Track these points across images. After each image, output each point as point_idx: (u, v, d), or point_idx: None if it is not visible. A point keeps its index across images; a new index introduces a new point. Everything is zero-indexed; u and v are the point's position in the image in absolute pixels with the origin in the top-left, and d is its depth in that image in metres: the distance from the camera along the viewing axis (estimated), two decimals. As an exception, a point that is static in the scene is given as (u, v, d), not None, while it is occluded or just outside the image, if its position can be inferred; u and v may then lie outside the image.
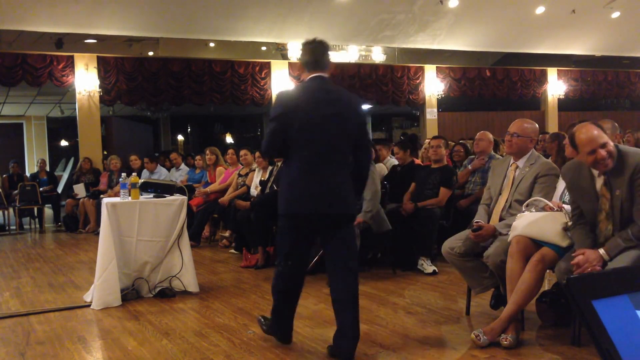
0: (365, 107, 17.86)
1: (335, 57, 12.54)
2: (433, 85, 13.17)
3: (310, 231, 3.22)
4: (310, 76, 3.19)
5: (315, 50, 3.20)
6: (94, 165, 10.36)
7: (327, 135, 3.10)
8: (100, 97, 10.64)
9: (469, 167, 5.93)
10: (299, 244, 3.23)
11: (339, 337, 3.14)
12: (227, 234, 7.34)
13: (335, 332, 3.16)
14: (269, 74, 11.86)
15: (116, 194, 7.04)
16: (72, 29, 10.12)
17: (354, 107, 3.24)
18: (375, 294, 4.61)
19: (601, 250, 2.93)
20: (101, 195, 8.61)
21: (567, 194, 3.49)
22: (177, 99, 11.45)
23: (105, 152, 11.69)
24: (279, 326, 3.41)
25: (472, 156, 6.27)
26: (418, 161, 6.81)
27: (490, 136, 6.02)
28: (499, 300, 3.69)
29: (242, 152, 7.32)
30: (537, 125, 3.89)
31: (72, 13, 9.52)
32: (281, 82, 11.89)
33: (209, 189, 7.64)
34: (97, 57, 10.62)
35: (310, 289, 4.81)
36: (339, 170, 3.14)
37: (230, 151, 7.95)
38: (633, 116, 15.49)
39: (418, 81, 13.11)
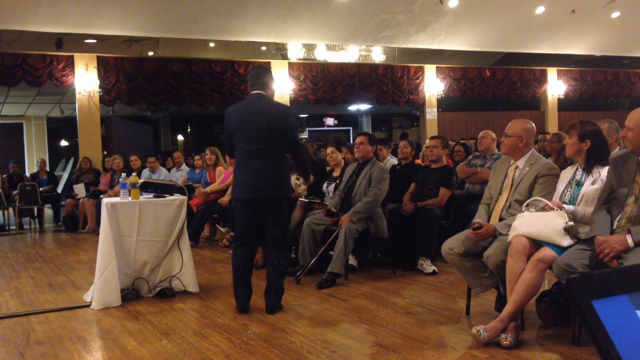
0: (365, 107, 17.89)
1: (335, 57, 12.55)
2: (433, 85, 13.17)
3: (250, 212, 4.12)
4: (251, 93, 4.21)
5: (252, 75, 4.24)
6: (94, 165, 10.36)
7: (255, 137, 4.04)
8: (100, 97, 10.64)
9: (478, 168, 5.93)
10: (245, 223, 4.16)
11: (266, 293, 4.16)
12: (224, 230, 7.33)
13: (265, 289, 4.19)
14: (269, 74, 11.84)
15: (116, 194, 7.04)
16: (72, 29, 10.11)
17: (281, 116, 4.13)
18: (375, 294, 4.61)
19: (628, 237, 2.94)
20: (101, 196, 8.61)
21: (566, 193, 3.49)
22: (177, 99, 11.45)
23: (105, 152, 11.69)
24: (236, 295, 4.19)
25: (477, 153, 6.27)
26: (418, 161, 6.82)
27: (493, 134, 6.03)
28: (503, 303, 3.69)
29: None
30: (531, 124, 3.85)
31: (72, 13, 9.52)
32: (281, 82, 11.89)
33: (208, 189, 7.64)
34: (97, 57, 10.62)
35: (310, 289, 4.82)
36: (267, 164, 4.05)
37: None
38: (633, 116, 15.44)
39: (418, 81, 13.11)
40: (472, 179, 5.89)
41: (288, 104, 12.04)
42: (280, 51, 12.36)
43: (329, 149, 5.96)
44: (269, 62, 11.90)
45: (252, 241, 4.22)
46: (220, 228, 7.46)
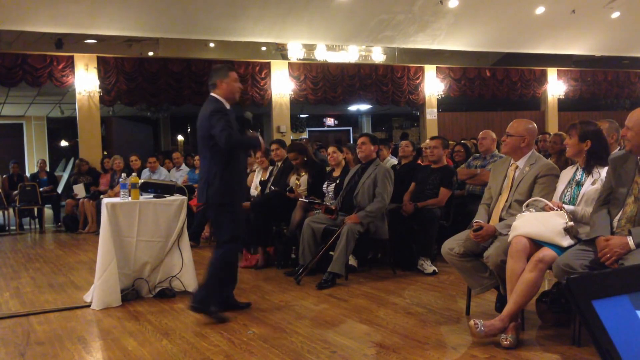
0: (365, 107, 17.89)
1: (335, 57, 12.56)
2: (433, 85, 13.17)
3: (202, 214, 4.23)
4: None
5: (209, 77, 4.18)
6: (91, 166, 10.36)
7: (199, 140, 4.04)
8: (100, 97, 10.64)
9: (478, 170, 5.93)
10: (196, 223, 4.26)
11: (197, 288, 4.14)
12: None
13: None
14: (269, 74, 11.86)
15: (116, 194, 7.04)
16: (72, 29, 10.12)
17: (204, 117, 3.96)
18: (375, 294, 4.61)
19: (629, 238, 2.94)
20: (101, 196, 8.61)
21: (566, 193, 3.49)
22: (177, 99, 11.45)
23: (105, 153, 11.69)
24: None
25: (477, 154, 6.28)
26: (418, 161, 6.81)
27: (494, 134, 6.03)
28: (503, 303, 3.69)
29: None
30: (533, 124, 3.85)
31: (72, 13, 9.53)
32: (281, 82, 11.90)
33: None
34: (97, 57, 10.62)
35: (310, 289, 4.82)
36: (204, 167, 4.01)
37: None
38: (633, 116, 15.44)
39: (418, 81, 13.11)
40: (473, 181, 5.89)
41: (288, 104, 12.05)
42: (280, 51, 12.37)
43: (331, 149, 5.97)
44: (269, 63, 11.91)
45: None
46: None
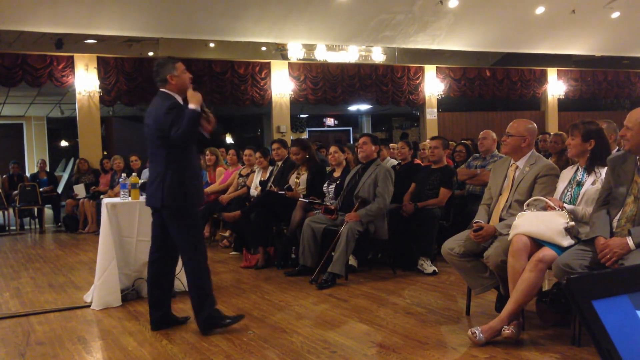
0: (365, 107, 17.89)
1: (335, 57, 12.55)
2: (433, 85, 13.17)
3: (155, 220, 3.84)
4: None
5: (153, 74, 3.85)
6: (92, 166, 10.36)
7: (147, 139, 3.81)
8: (100, 97, 10.64)
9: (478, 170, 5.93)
10: (155, 231, 3.85)
11: (195, 315, 3.78)
12: (227, 233, 7.34)
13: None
14: (269, 74, 11.86)
15: (116, 194, 7.04)
16: (72, 29, 10.12)
17: (156, 114, 3.69)
18: (375, 294, 4.61)
19: (629, 239, 2.94)
20: (101, 196, 8.61)
21: (567, 193, 3.50)
22: (177, 99, 11.43)
23: (105, 153, 11.69)
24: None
25: (476, 154, 6.28)
26: (418, 161, 6.82)
27: (494, 135, 6.04)
28: (503, 303, 3.69)
29: (246, 152, 7.27)
30: (533, 125, 3.86)
31: (72, 13, 9.53)
32: (281, 82, 11.90)
33: (208, 189, 7.63)
34: (97, 57, 10.62)
35: (310, 289, 4.82)
36: (152, 167, 3.81)
37: (231, 151, 7.95)
38: (633, 116, 15.43)
39: (418, 81, 13.11)
40: (473, 181, 5.89)
41: (288, 104, 12.05)
42: (280, 51, 12.36)
43: (332, 149, 5.97)
44: (268, 63, 11.91)
45: (163, 251, 3.87)
46: (223, 233, 7.46)
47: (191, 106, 3.65)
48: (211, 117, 3.83)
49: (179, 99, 3.77)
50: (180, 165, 3.69)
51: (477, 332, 3.22)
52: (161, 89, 3.80)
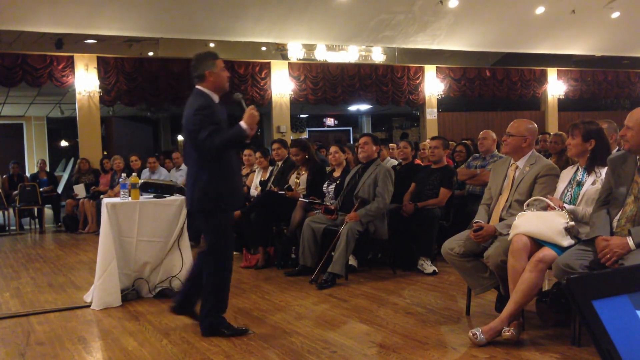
0: (365, 107, 17.89)
1: (335, 57, 12.55)
2: (433, 85, 13.17)
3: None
4: None
5: (190, 68, 3.67)
6: (92, 166, 10.36)
7: (184, 139, 3.73)
8: (100, 97, 10.64)
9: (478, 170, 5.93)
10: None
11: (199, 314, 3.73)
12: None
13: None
14: (269, 74, 11.86)
15: (116, 194, 7.04)
16: (72, 29, 10.11)
17: (186, 115, 3.54)
18: (375, 294, 4.61)
19: (629, 239, 2.94)
20: (101, 196, 8.60)
21: (567, 193, 3.50)
22: (177, 100, 11.44)
23: (105, 153, 11.69)
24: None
25: (476, 154, 6.28)
26: (418, 161, 6.82)
27: (494, 135, 6.04)
28: (503, 303, 3.69)
29: (246, 152, 7.26)
30: (534, 125, 3.86)
31: (72, 13, 9.52)
32: (281, 82, 11.89)
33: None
34: (97, 57, 10.62)
35: (310, 289, 4.82)
36: (188, 168, 3.71)
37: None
38: (633, 116, 15.42)
39: (418, 81, 13.11)
40: (473, 181, 5.89)
41: (288, 104, 12.05)
42: (280, 51, 12.36)
43: (332, 149, 5.97)
44: (269, 63, 11.91)
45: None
46: None
47: (243, 125, 3.49)
48: (251, 131, 3.65)
49: (215, 98, 3.62)
50: (213, 167, 3.52)
51: (477, 333, 3.22)
52: (196, 86, 3.63)
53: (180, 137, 20.49)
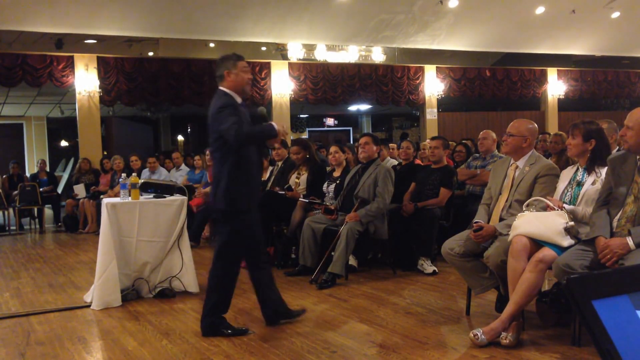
0: (365, 107, 17.89)
1: (335, 57, 12.55)
2: (433, 85, 13.17)
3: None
4: None
5: (215, 69, 3.75)
6: (93, 166, 10.36)
7: (210, 140, 3.69)
8: (100, 97, 10.64)
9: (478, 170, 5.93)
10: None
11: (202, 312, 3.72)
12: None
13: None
14: (269, 74, 11.86)
15: (116, 194, 7.04)
16: (72, 29, 10.11)
17: (211, 113, 3.59)
18: (375, 294, 4.61)
19: (629, 239, 2.94)
20: (101, 196, 8.60)
21: (567, 193, 3.50)
22: (177, 100, 11.45)
23: (105, 153, 11.69)
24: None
25: (476, 154, 6.28)
26: (418, 161, 6.82)
27: (494, 135, 6.04)
28: (503, 304, 3.69)
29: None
30: (534, 125, 3.86)
31: (72, 13, 9.52)
32: (281, 82, 11.89)
33: (209, 189, 7.63)
34: (97, 57, 10.62)
35: (310, 289, 4.82)
36: (213, 169, 3.74)
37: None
38: (633, 116, 15.43)
39: (418, 81, 13.11)
40: (473, 181, 5.89)
41: (288, 104, 12.05)
42: (280, 51, 12.36)
43: (333, 149, 5.97)
44: (268, 63, 11.91)
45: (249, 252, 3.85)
46: None
47: (274, 124, 3.58)
48: (281, 132, 3.71)
49: (238, 99, 3.65)
50: (234, 169, 3.55)
51: (479, 334, 3.22)
52: (219, 87, 3.69)
53: (180, 137, 20.51)
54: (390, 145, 8.40)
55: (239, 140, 3.43)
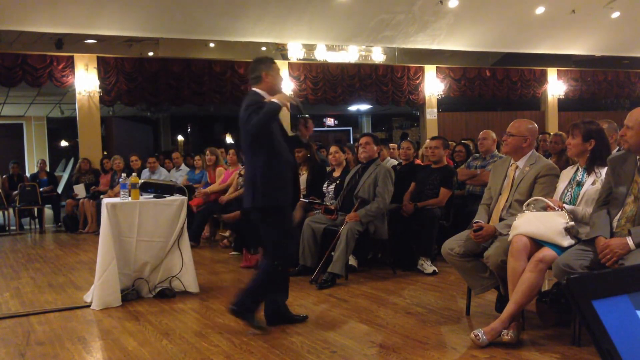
0: (365, 107, 17.89)
1: (335, 57, 12.55)
2: (433, 85, 13.17)
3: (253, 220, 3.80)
4: None
5: (249, 69, 3.81)
6: (93, 166, 10.36)
7: (241, 138, 3.74)
8: (100, 97, 10.64)
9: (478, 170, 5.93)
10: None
11: (239, 291, 3.79)
12: (227, 233, 7.34)
13: None
14: (269, 74, 11.84)
15: (116, 194, 7.04)
16: (72, 29, 10.12)
17: (243, 113, 3.59)
18: (375, 294, 4.61)
19: (629, 239, 2.94)
20: (101, 196, 8.60)
21: (567, 193, 3.50)
22: (177, 100, 11.45)
23: (105, 153, 11.69)
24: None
25: (476, 154, 6.28)
26: (418, 161, 6.82)
27: (494, 135, 6.04)
28: (503, 303, 3.69)
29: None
30: (534, 125, 3.87)
31: (72, 13, 9.53)
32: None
33: (209, 189, 7.64)
34: (97, 57, 10.62)
35: (310, 289, 4.82)
36: (246, 168, 3.78)
37: (231, 151, 7.96)
38: (633, 116, 15.43)
39: (418, 81, 13.11)
40: (473, 181, 5.89)
41: (288, 104, 12.01)
42: (280, 51, 12.36)
43: (333, 149, 5.97)
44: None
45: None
46: (223, 233, 7.46)
47: (273, 99, 3.60)
48: (310, 123, 3.88)
49: (267, 99, 3.68)
50: (267, 166, 3.61)
51: (479, 335, 3.22)
52: (252, 88, 3.73)
53: (180, 137, 20.52)
54: (391, 145, 8.40)
55: (253, 128, 3.50)
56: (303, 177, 6.05)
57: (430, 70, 13.19)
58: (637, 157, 3.11)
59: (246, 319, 3.68)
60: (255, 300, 3.72)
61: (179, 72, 11.20)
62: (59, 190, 11.51)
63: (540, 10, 11.51)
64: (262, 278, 3.73)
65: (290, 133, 4.11)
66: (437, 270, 5.25)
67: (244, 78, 11.60)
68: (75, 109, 11.02)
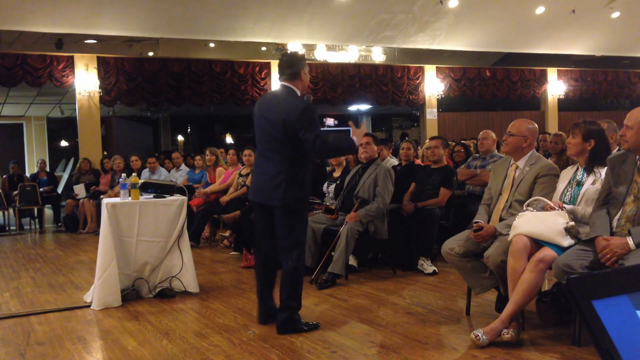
0: (365, 107, 17.88)
1: (335, 57, 12.55)
2: (433, 85, 13.18)
3: (260, 216, 3.75)
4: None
5: (281, 63, 3.73)
6: (93, 166, 10.36)
7: (261, 133, 3.65)
8: (100, 97, 10.64)
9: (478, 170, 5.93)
10: (259, 227, 3.80)
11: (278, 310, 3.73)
12: (227, 233, 7.34)
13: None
14: (269, 74, 11.86)
15: (116, 194, 7.04)
16: (72, 30, 10.12)
17: (288, 113, 3.52)
18: (375, 294, 4.61)
19: (629, 239, 2.94)
20: (101, 196, 8.60)
21: (567, 193, 3.50)
22: (177, 100, 11.45)
23: (105, 153, 11.69)
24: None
25: (476, 154, 6.28)
26: (418, 161, 6.82)
27: (494, 135, 6.04)
28: (503, 303, 3.69)
29: (246, 152, 7.27)
30: (534, 125, 3.87)
31: (72, 13, 9.53)
32: (281, 82, 11.89)
33: (209, 189, 7.64)
34: (97, 57, 10.62)
35: (310, 289, 4.82)
36: (270, 164, 3.61)
37: (231, 151, 7.96)
38: (633, 116, 15.43)
39: (418, 81, 13.11)
40: (473, 181, 5.89)
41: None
42: (280, 51, 12.35)
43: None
44: (268, 63, 11.91)
45: (265, 249, 3.81)
46: (223, 233, 7.46)
47: (355, 139, 3.72)
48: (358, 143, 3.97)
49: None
50: (302, 165, 3.61)
51: (480, 335, 3.22)
52: (286, 84, 3.65)
53: (180, 137, 20.52)
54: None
55: (322, 152, 3.59)
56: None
57: (430, 70, 13.19)
58: (637, 157, 3.12)
59: (298, 330, 3.63)
60: (297, 299, 3.71)
61: (179, 72, 11.21)
62: (59, 190, 11.51)
63: (540, 10, 11.51)
64: (291, 278, 3.67)
65: None
66: (437, 270, 5.25)
67: (244, 78, 11.61)
68: (75, 109, 11.02)
